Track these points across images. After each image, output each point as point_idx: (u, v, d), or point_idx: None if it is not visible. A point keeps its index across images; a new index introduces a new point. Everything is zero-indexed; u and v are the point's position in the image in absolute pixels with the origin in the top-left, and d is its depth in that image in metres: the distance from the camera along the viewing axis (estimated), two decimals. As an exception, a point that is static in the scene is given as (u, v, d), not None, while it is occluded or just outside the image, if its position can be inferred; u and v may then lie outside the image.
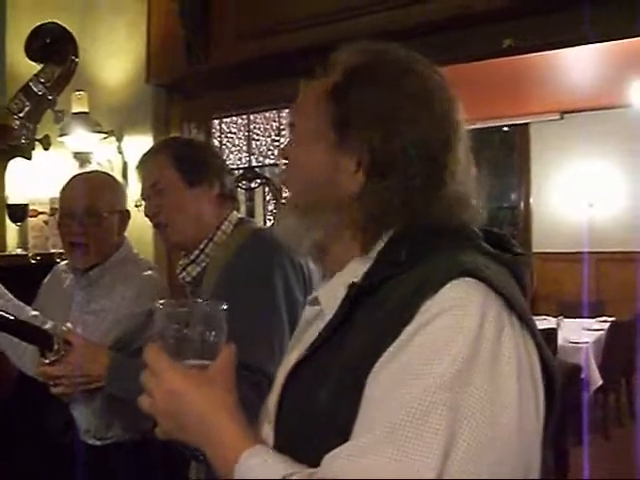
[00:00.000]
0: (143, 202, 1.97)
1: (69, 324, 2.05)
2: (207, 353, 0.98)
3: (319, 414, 0.94)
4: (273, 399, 1.08)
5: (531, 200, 8.39)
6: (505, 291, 0.90)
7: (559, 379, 0.93)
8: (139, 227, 2.48)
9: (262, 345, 1.60)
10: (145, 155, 2.01)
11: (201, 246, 1.89)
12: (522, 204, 8.48)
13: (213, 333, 0.98)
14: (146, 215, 1.95)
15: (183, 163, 1.91)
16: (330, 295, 1.05)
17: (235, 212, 1.98)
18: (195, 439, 0.96)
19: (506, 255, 1.00)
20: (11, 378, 2.20)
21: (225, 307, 1.00)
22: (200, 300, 1.08)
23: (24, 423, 2.38)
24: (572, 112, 7.71)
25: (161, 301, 1.01)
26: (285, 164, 1.14)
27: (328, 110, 1.04)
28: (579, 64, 5.75)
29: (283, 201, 3.78)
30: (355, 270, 1.02)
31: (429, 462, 0.79)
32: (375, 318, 0.92)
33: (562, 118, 7.87)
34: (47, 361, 1.80)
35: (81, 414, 2.15)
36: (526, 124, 8.23)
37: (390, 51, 1.07)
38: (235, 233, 1.90)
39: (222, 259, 1.84)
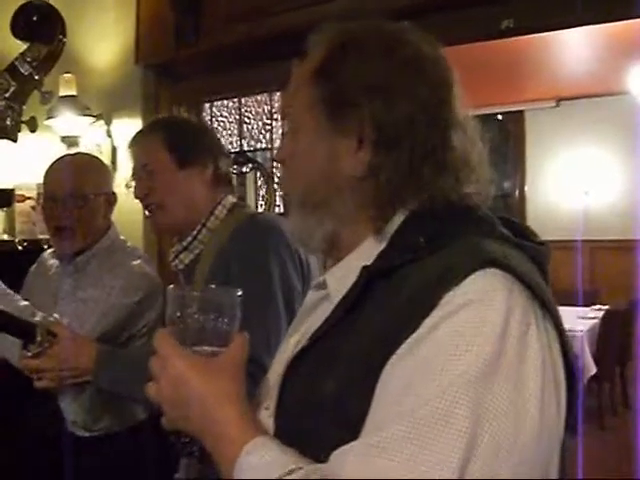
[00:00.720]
0: (133, 183, 1.91)
1: (56, 315, 1.99)
2: (218, 340, 0.94)
3: (325, 405, 0.88)
4: (272, 386, 1.02)
5: (526, 188, 8.38)
6: (531, 281, 0.85)
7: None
8: (128, 212, 2.42)
9: (258, 335, 1.54)
10: (137, 135, 1.96)
11: (194, 232, 1.84)
12: (517, 192, 8.46)
13: (225, 320, 0.94)
14: (136, 197, 1.90)
15: (175, 144, 1.86)
16: (340, 278, 1.00)
17: (230, 196, 1.92)
18: (198, 430, 0.91)
19: (529, 243, 0.95)
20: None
21: (240, 293, 0.96)
22: (213, 285, 1.04)
23: (7, 414, 2.32)
24: (568, 99, 7.68)
25: (171, 285, 0.97)
26: (282, 165, 1.10)
27: (317, 92, 0.99)
28: (575, 50, 5.72)
29: (276, 186, 3.74)
30: (368, 252, 0.97)
31: (449, 464, 0.74)
32: (390, 305, 0.87)
33: (558, 105, 7.84)
34: (29, 354, 1.73)
35: (68, 406, 2.11)
36: (521, 111, 8.20)
37: (375, 24, 1.02)
38: (229, 218, 1.85)
39: (216, 245, 1.79)
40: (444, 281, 0.83)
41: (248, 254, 1.71)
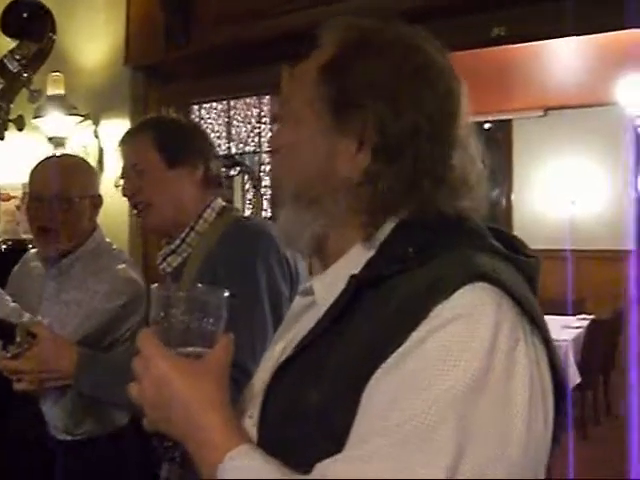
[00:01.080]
0: (122, 181, 1.90)
1: (39, 317, 1.97)
2: (203, 341, 0.91)
3: (309, 416, 0.86)
4: (256, 394, 1.00)
5: (512, 197, 8.38)
6: (520, 296, 0.84)
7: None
8: (114, 215, 2.40)
9: (243, 340, 1.52)
10: (127, 133, 1.95)
11: (182, 235, 1.83)
12: (503, 201, 8.47)
13: (211, 320, 0.91)
14: (124, 195, 1.88)
15: (164, 143, 1.84)
16: (327, 285, 0.97)
17: (219, 199, 1.90)
18: (181, 434, 0.89)
19: (519, 256, 0.94)
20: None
21: (227, 294, 0.94)
22: (200, 285, 1.01)
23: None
24: (556, 109, 7.70)
25: (155, 285, 0.94)
26: (274, 155, 1.07)
27: (323, 87, 0.95)
28: (564, 61, 5.73)
29: (263, 191, 3.72)
30: (356, 259, 0.94)
31: (434, 478, 0.72)
32: (378, 315, 0.85)
33: (545, 115, 7.87)
34: (8, 355, 1.69)
35: (50, 409, 2.09)
36: (509, 120, 8.22)
37: (391, 25, 0.99)
38: (218, 222, 1.83)
39: (204, 249, 1.78)
40: (433, 294, 0.82)
41: (235, 258, 1.70)
